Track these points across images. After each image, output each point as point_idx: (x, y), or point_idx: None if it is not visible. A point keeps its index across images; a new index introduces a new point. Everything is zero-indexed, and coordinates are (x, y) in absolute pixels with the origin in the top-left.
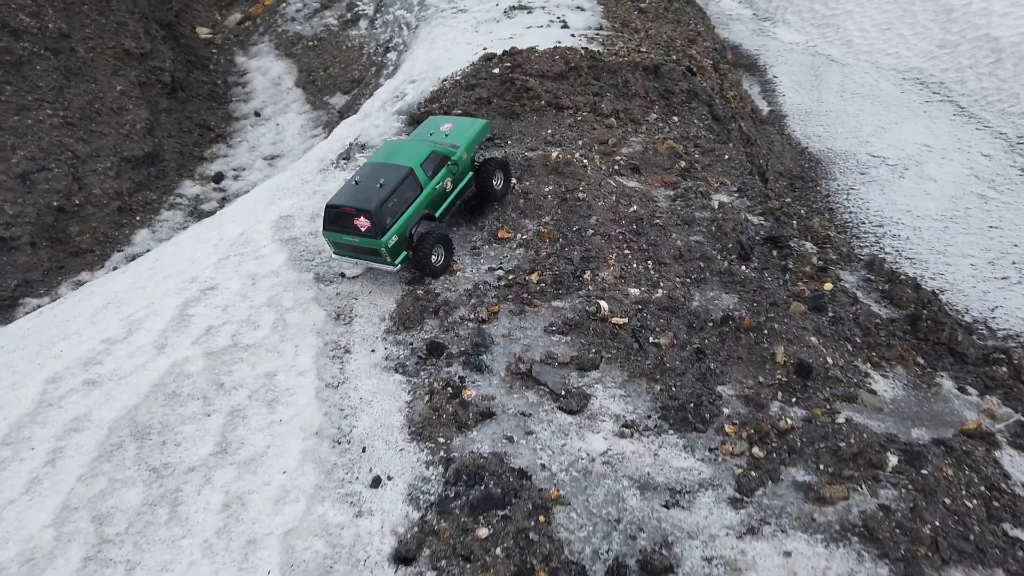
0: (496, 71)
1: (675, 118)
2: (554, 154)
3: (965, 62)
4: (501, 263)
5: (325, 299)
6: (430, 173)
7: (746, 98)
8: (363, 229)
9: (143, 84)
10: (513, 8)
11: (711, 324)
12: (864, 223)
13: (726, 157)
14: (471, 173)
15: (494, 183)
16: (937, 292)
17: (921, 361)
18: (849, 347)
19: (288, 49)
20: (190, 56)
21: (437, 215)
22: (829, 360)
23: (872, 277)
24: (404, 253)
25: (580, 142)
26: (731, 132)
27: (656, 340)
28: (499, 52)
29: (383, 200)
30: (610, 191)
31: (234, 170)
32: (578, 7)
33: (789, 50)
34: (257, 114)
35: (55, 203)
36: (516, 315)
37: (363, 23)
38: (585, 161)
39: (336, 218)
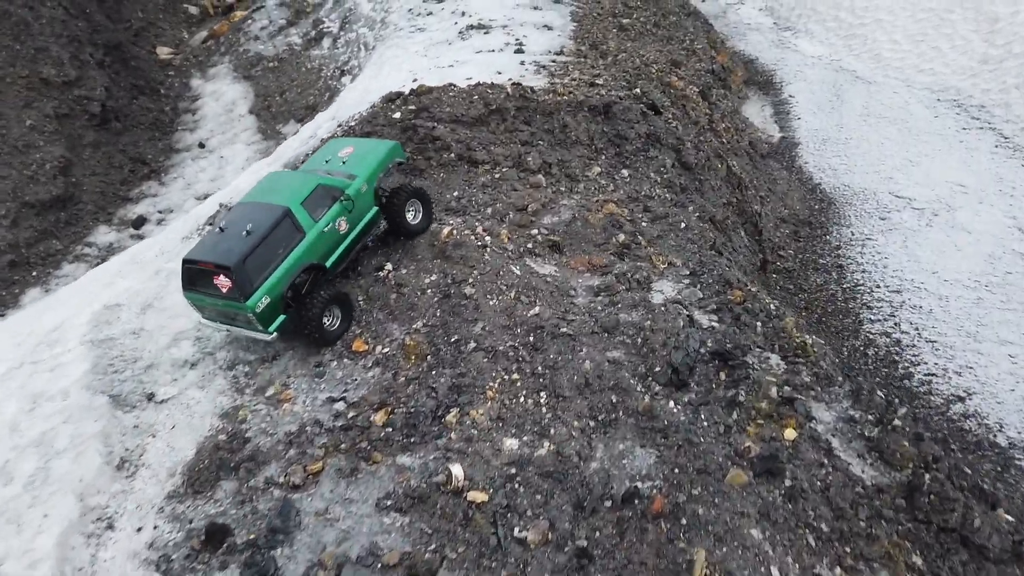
0: (397, 115)
1: (625, 172)
2: (445, 230)
3: (1011, 81)
4: (346, 390)
5: (115, 435)
6: (316, 213)
7: (743, 129)
8: (224, 290)
9: (63, 116)
10: (471, 28)
11: (608, 504)
12: (879, 287)
13: (683, 225)
14: (375, 208)
15: (408, 218)
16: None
17: (918, 562)
18: (810, 541)
19: (247, 71)
20: (138, 80)
21: (328, 265)
22: (775, 571)
23: (856, 416)
24: (282, 317)
25: (490, 209)
26: (704, 183)
27: (523, 533)
28: (406, 90)
29: (248, 252)
30: (510, 284)
31: (160, 212)
32: (546, 26)
33: (810, 65)
34: (201, 145)
35: None
36: (345, 477)
37: (326, 42)
38: (487, 238)
39: (195, 276)
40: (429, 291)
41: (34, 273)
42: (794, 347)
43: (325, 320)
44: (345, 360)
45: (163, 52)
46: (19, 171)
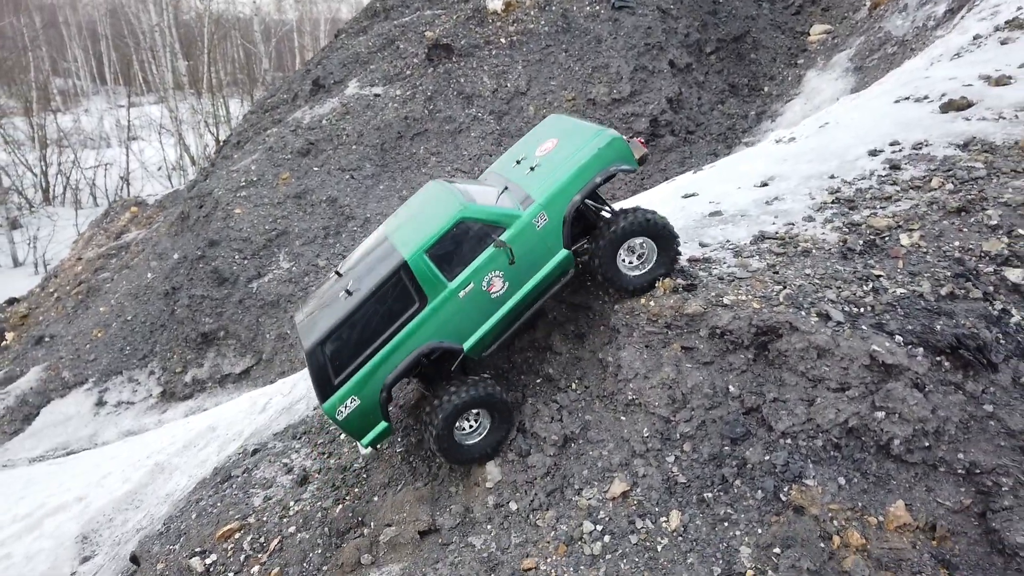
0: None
1: None
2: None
3: None
4: None
5: None
6: (450, 266)
7: None
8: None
9: None
10: None
11: None
12: None
13: None
14: (563, 253)
15: (618, 264)
16: None
17: None
18: None
19: (862, 60)
20: (742, 79)
21: (467, 347)
22: None
23: None
24: (383, 425)
25: None
26: None
27: None
28: None
29: (331, 330)
30: None
31: None
32: None
33: None
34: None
35: None
36: None
37: (959, 17)
38: None
39: None
40: None
41: None
42: None
43: (456, 436)
44: None
45: (816, 32)
46: None
